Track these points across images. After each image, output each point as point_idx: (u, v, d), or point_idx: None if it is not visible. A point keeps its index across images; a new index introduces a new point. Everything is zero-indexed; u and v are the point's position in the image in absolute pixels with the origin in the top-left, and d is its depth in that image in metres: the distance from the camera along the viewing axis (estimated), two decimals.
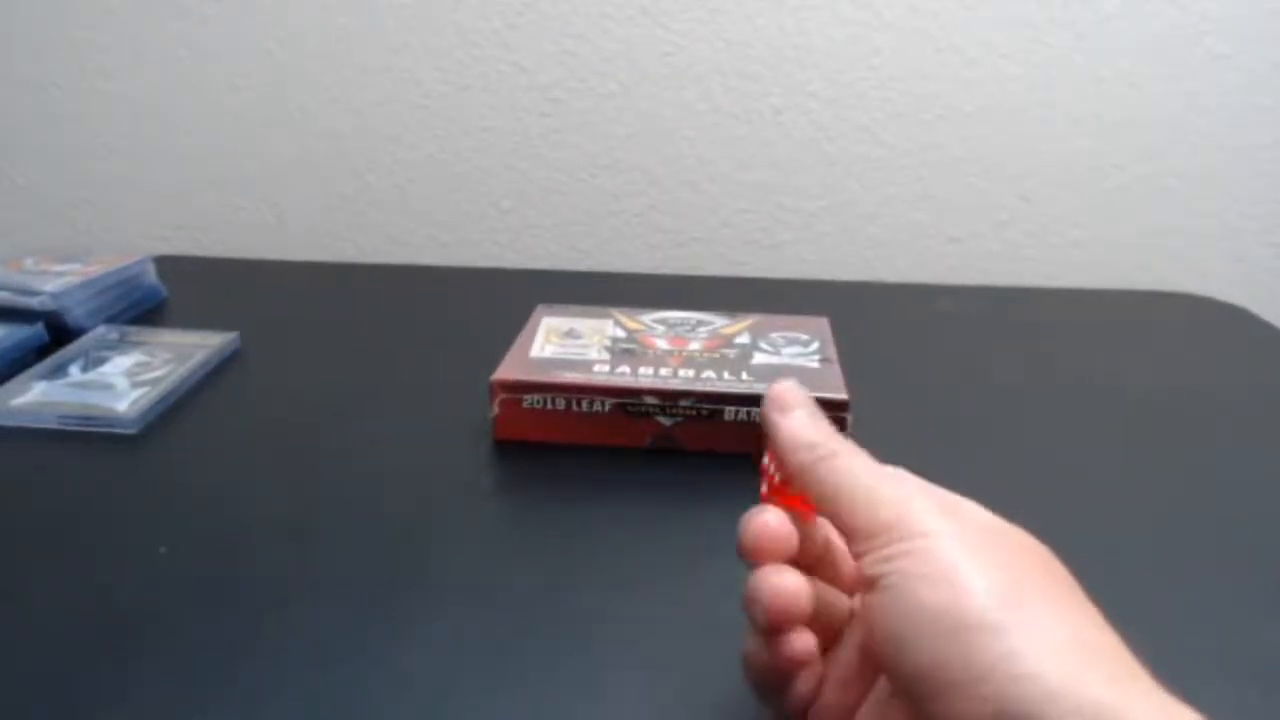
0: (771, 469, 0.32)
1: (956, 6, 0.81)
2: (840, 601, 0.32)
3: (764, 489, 0.32)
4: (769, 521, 0.30)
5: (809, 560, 0.32)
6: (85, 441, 0.54)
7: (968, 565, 0.25)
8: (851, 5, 0.81)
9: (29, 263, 0.73)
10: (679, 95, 0.85)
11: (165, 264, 0.80)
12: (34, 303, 0.66)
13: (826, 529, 0.32)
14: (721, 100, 0.85)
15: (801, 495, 0.30)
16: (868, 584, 0.26)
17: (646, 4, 0.82)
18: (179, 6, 0.86)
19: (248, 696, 0.34)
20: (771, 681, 0.30)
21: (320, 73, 0.87)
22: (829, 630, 0.31)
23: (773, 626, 0.29)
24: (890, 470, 0.29)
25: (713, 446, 0.51)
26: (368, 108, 0.88)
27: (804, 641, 0.29)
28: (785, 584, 0.29)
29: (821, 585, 0.32)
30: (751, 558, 0.29)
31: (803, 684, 0.30)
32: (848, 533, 0.28)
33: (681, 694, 0.35)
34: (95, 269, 0.71)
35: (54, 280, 0.68)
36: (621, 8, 0.83)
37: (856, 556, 0.27)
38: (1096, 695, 0.22)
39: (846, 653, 0.30)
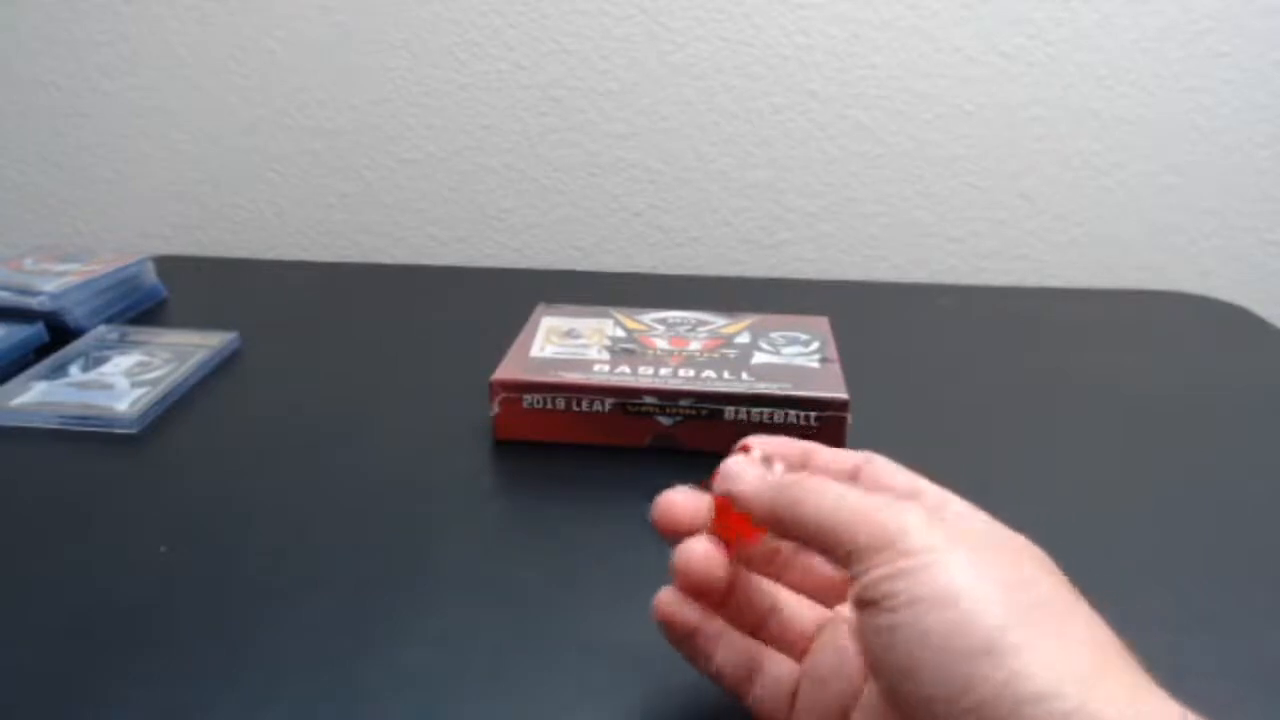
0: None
1: (956, 6, 0.81)
2: (807, 610, 0.33)
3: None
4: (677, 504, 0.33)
5: (755, 618, 0.33)
6: (85, 441, 0.54)
7: (973, 583, 0.24)
8: (851, 5, 0.81)
9: (29, 263, 0.73)
10: (679, 94, 0.85)
11: (165, 264, 0.80)
12: (34, 303, 0.66)
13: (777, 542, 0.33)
14: (721, 99, 0.85)
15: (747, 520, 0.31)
16: (865, 606, 0.26)
17: (646, 3, 0.82)
18: (179, 6, 0.86)
19: (248, 696, 0.34)
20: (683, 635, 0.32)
21: (320, 72, 0.87)
22: (799, 634, 0.32)
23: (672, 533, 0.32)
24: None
25: (713, 446, 0.51)
26: (367, 107, 0.88)
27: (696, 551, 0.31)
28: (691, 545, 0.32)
29: (786, 592, 0.33)
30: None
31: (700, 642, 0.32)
32: (838, 554, 0.27)
33: (681, 692, 0.35)
34: (95, 269, 0.71)
35: (54, 280, 0.68)
36: (621, 7, 0.83)
37: (851, 578, 0.26)
38: (1115, 712, 0.22)
39: (824, 654, 0.31)
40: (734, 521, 0.32)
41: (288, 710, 0.34)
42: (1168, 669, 0.24)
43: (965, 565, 0.25)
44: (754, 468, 0.31)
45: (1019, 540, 0.28)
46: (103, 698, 0.34)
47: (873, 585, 0.25)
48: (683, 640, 0.32)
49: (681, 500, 0.33)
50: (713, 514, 0.32)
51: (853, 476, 0.32)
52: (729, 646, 0.32)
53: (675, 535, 0.32)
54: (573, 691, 0.35)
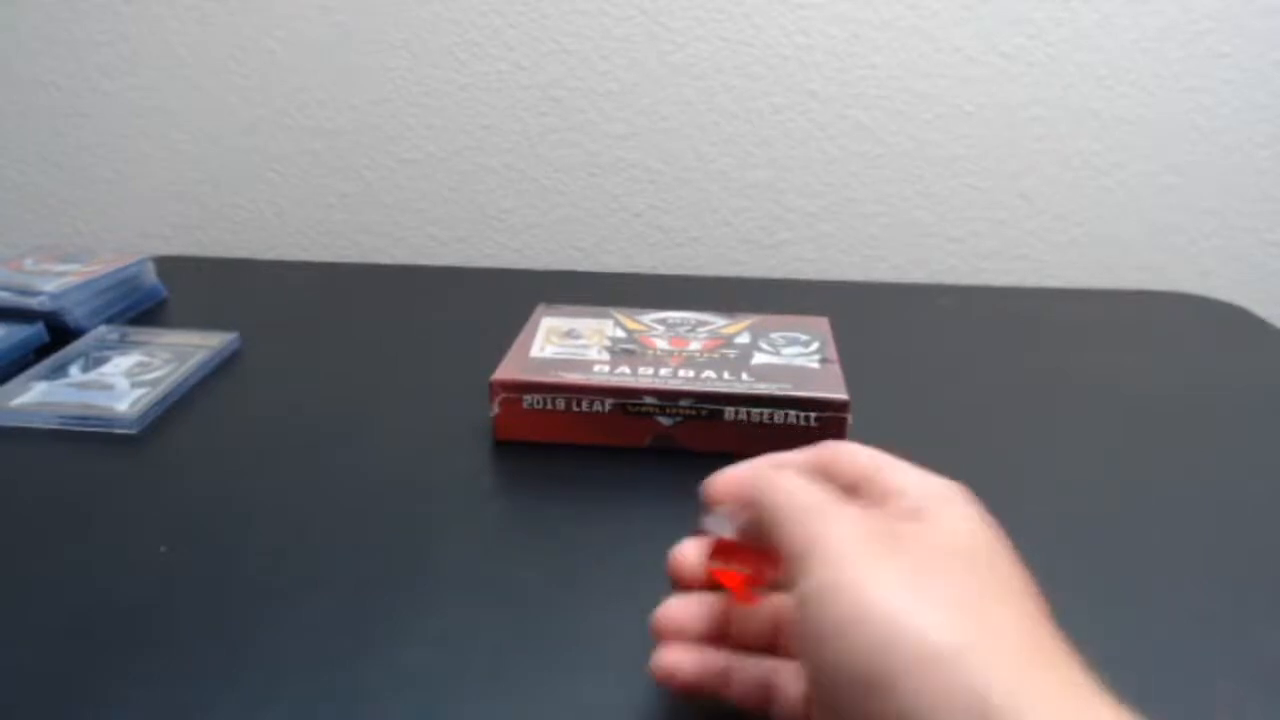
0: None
1: (956, 6, 0.81)
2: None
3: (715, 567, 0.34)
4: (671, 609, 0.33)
5: (761, 642, 0.33)
6: (85, 441, 0.54)
7: (866, 607, 0.24)
8: (851, 5, 0.81)
9: (29, 263, 0.73)
10: (679, 94, 0.85)
11: (165, 264, 0.79)
12: (34, 303, 0.66)
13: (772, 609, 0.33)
14: (721, 99, 0.85)
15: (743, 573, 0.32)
16: (790, 617, 0.26)
17: (646, 3, 0.82)
18: (179, 6, 0.86)
19: (247, 696, 0.34)
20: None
21: (320, 72, 0.87)
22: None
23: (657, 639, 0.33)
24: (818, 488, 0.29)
25: (713, 446, 0.51)
26: (367, 107, 0.88)
27: (666, 657, 0.32)
28: (669, 606, 0.33)
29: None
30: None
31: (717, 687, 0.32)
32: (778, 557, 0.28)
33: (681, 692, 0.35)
34: (95, 269, 0.71)
35: (54, 280, 0.68)
36: (621, 7, 0.83)
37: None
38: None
39: None
40: (726, 567, 0.33)
41: (288, 710, 0.34)
42: (1168, 670, 0.24)
43: (864, 586, 0.24)
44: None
45: (958, 529, 0.27)
46: (103, 698, 0.34)
47: (789, 601, 0.26)
48: (687, 691, 0.32)
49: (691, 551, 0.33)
50: (708, 557, 0.33)
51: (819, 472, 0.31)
52: (739, 678, 0.32)
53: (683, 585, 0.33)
54: (573, 691, 0.35)
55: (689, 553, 0.34)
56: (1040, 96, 0.83)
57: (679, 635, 0.32)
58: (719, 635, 0.33)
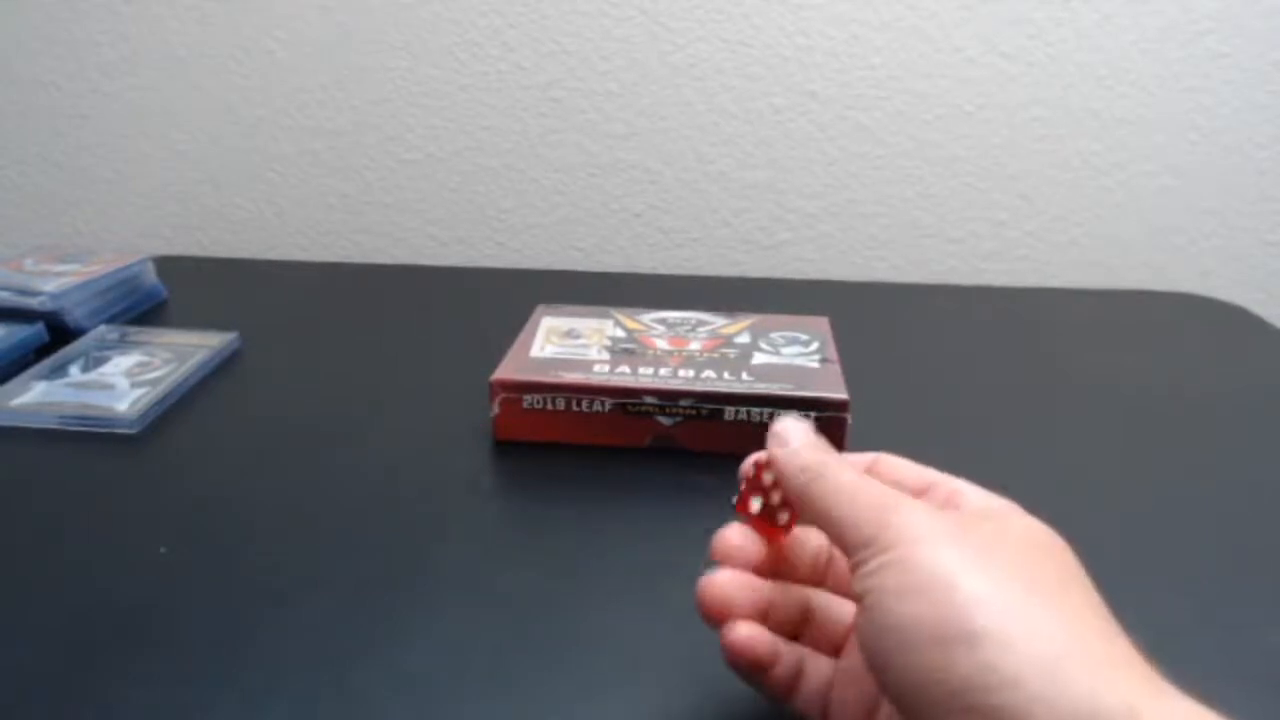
0: (751, 502, 0.33)
1: (956, 6, 0.81)
2: (843, 608, 0.33)
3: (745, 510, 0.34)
4: (727, 535, 0.32)
5: (804, 574, 0.33)
6: (85, 441, 0.54)
7: (947, 572, 0.24)
8: (851, 5, 0.81)
9: (29, 263, 0.73)
10: (679, 95, 0.85)
11: (165, 264, 0.80)
12: (34, 303, 0.66)
13: (819, 540, 0.33)
14: (721, 99, 0.85)
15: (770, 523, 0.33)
16: (858, 603, 0.26)
17: (646, 4, 0.82)
18: (179, 6, 0.86)
19: (247, 696, 0.34)
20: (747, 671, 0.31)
21: (320, 72, 0.87)
22: (834, 632, 0.32)
23: (706, 618, 0.31)
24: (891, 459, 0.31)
25: (713, 446, 0.51)
26: (367, 107, 0.88)
27: (741, 630, 0.30)
28: (716, 579, 0.31)
29: (820, 593, 0.33)
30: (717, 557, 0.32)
31: (776, 671, 0.31)
32: (842, 547, 0.28)
33: (682, 693, 0.35)
34: (95, 269, 0.71)
35: (54, 280, 0.68)
36: (621, 7, 0.83)
37: (851, 574, 0.27)
38: (1087, 697, 0.21)
39: (856, 652, 0.30)
40: (758, 523, 0.33)
41: (288, 710, 0.34)
42: (1171, 672, 0.24)
43: (943, 553, 0.25)
44: (801, 434, 0.32)
45: (1030, 525, 0.27)
46: (103, 698, 0.34)
47: (860, 580, 0.26)
48: (754, 669, 0.31)
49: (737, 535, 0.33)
50: (747, 521, 0.33)
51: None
52: (783, 661, 0.31)
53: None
54: (573, 691, 0.35)
55: (733, 537, 0.33)
56: (1040, 96, 0.83)
57: (727, 609, 0.31)
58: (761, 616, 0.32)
